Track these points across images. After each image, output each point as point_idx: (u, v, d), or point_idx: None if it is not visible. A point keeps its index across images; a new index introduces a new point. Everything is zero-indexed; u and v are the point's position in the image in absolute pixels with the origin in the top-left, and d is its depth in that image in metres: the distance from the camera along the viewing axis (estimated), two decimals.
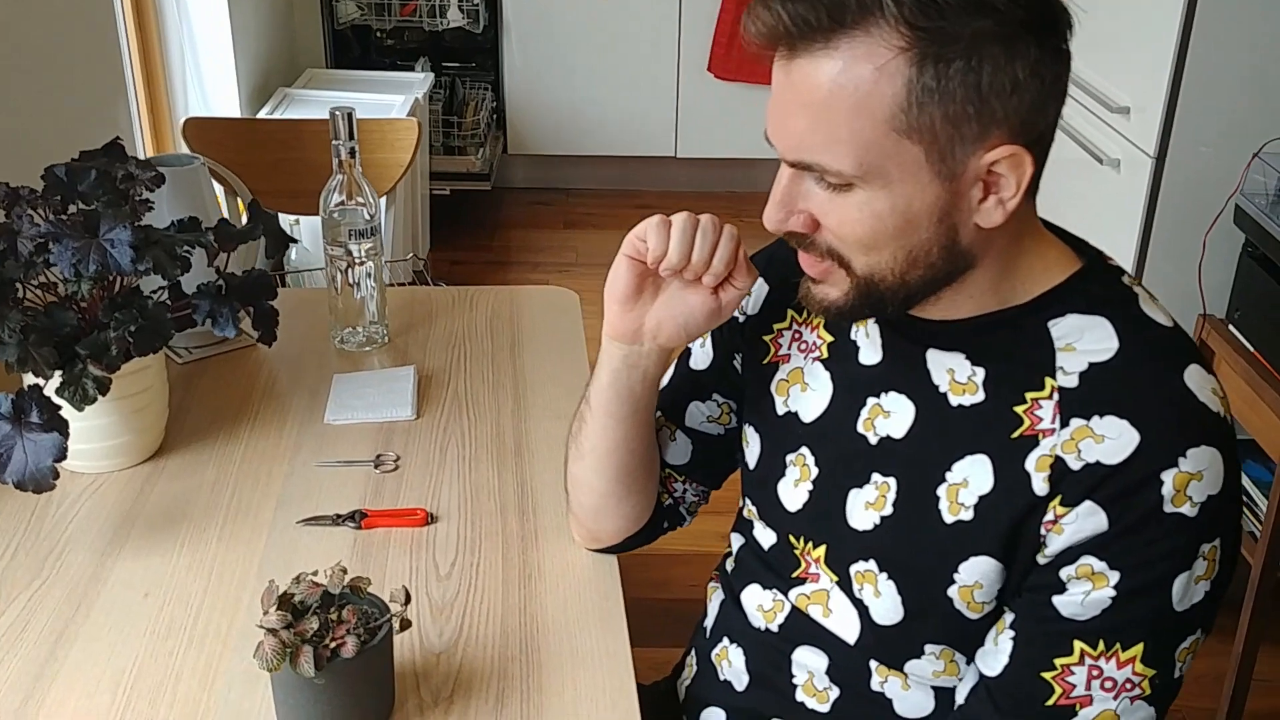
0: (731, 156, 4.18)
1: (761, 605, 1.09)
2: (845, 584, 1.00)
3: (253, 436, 1.42)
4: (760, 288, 1.09)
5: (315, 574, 1.02)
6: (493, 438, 1.44)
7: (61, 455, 1.17)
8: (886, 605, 0.97)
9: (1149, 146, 2.30)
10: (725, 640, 1.11)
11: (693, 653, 1.17)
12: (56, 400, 1.20)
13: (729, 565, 1.15)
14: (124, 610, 1.15)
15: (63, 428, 1.18)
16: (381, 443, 1.42)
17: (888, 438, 0.98)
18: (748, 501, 1.12)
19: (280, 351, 1.57)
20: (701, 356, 1.14)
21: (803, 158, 0.86)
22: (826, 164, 0.85)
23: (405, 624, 1.01)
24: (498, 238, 4.01)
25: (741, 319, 1.11)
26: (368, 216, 1.58)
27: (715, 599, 1.17)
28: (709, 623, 1.16)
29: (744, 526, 1.14)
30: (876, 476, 0.98)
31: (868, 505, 0.98)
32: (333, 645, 0.96)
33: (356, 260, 1.59)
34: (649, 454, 1.12)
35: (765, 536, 1.09)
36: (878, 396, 0.99)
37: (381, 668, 1.02)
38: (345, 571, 1.01)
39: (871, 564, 0.97)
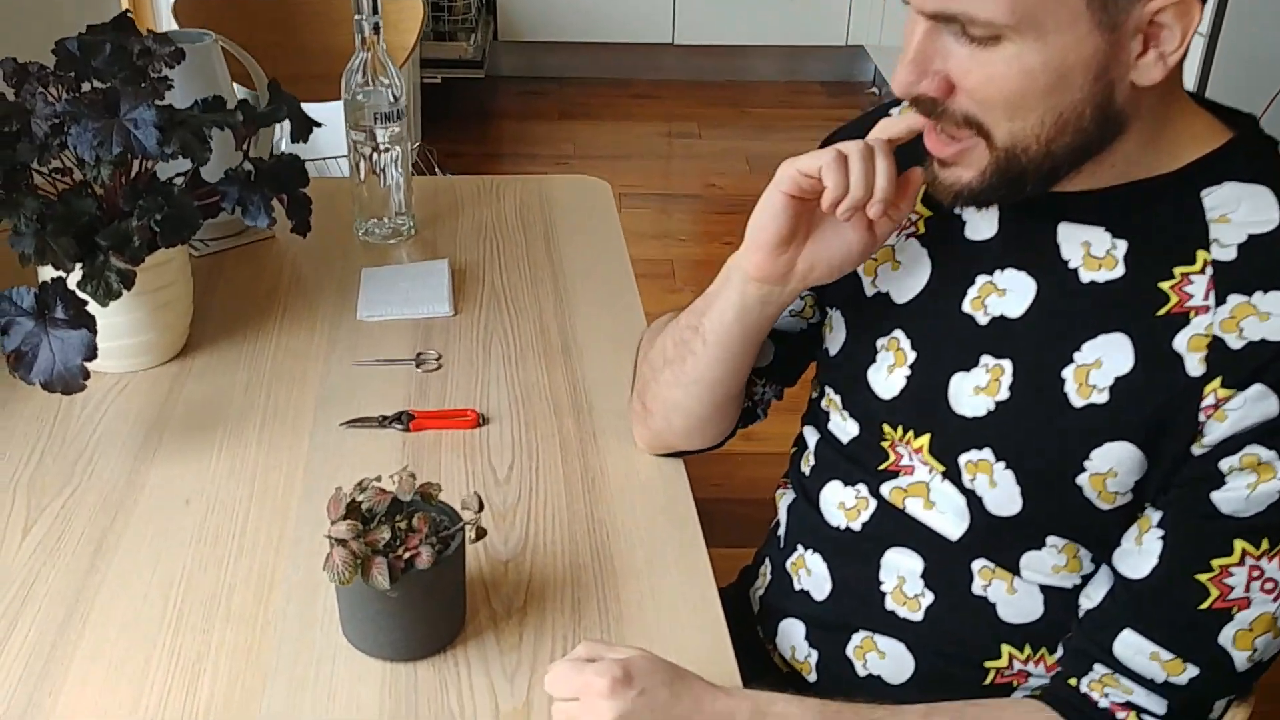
0: (731, 44, 4.05)
1: (843, 503, 1.02)
2: (953, 475, 0.94)
3: (282, 335, 1.34)
4: None
5: (379, 479, 0.95)
6: (537, 334, 1.36)
7: (91, 354, 1.09)
8: (1003, 496, 0.91)
9: (1202, 25, 2.21)
10: (800, 547, 1.05)
11: (765, 561, 1.12)
12: (81, 295, 1.11)
13: (802, 464, 1.09)
14: (165, 518, 1.08)
15: (90, 324, 1.09)
16: (420, 340, 1.34)
17: (1001, 318, 0.91)
18: (827, 391, 1.05)
19: (302, 244, 1.48)
20: None
21: (946, 7, 0.78)
22: (974, 12, 0.76)
23: (480, 533, 0.94)
24: (491, 129, 3.88)
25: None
26: (392, 99, 1.48)
27: (785, 502, 1.11)
28: (781, 530, 1.10)
29: (819, 419, 1.07)
30: (987, 359, 0.91)
31: (977, 390, 0.92)
32: (406, 556, 0.90)
33: (381, 146, 1.49)
34: (748, 374, 1.06)
35: (847, 428, 1.02)
36: (990, 274, 0.92)
37: (455, 579, 0.95)
38: (414, 477, 0.94)
39: (986, 453, 0.91)
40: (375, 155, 1.49)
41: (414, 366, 1.29)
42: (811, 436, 1.08)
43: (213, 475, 1.13)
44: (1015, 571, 0.93)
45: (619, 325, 1.37)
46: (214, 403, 1.23)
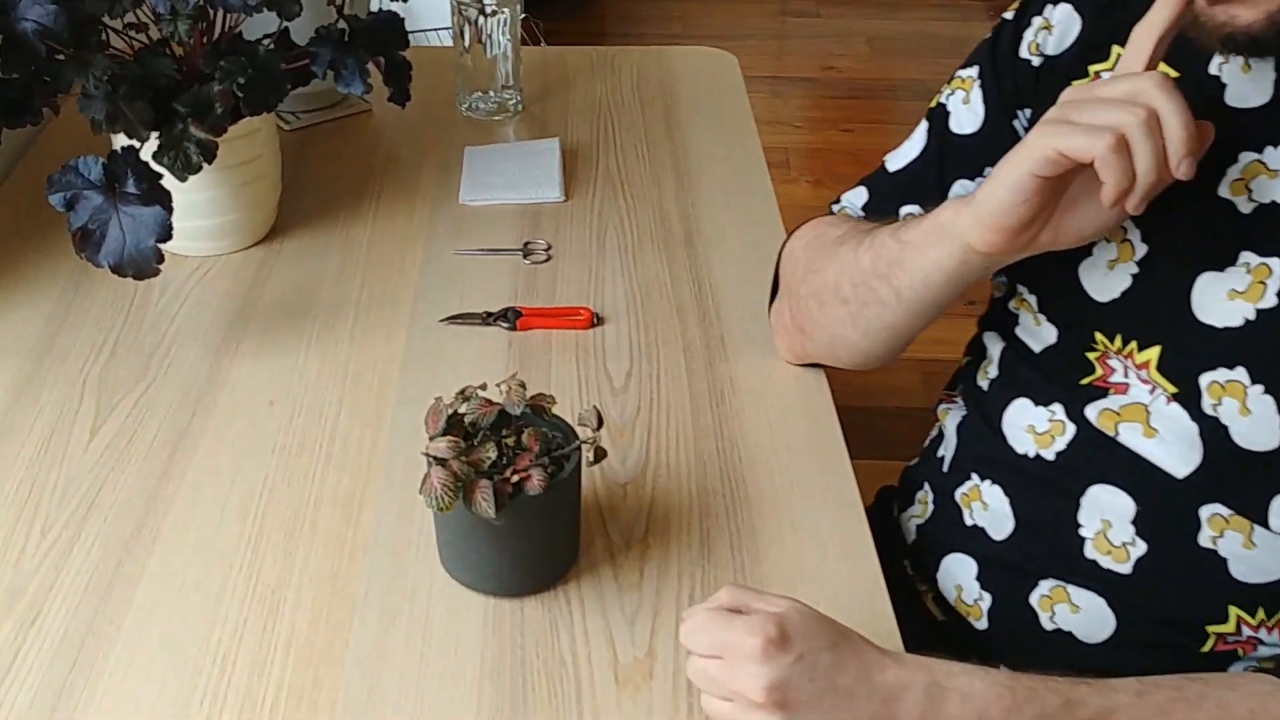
0: None
1: (1032, 426, 0.87)
2: (1188, 397, 0.78)
3: (379, 218, 1.21)
4: (1069, 20, 0.83)
5: (484, 388, 0.82)
6: (657, 225, 1.22)
7: (166, 234, 0.97)
8: (1258, 426, 0.75)
9: None
10: (975, 476, 0.90)
11: (924, 488, 0.97)
12: (156, 167, 0.99)
13: (979, 377, 0.93)
14: (247, 420, 0.97)
15: (165, 200, 0.97)
16: (528, 228, 1.20)
17: (1272, 205, 0.74)
18: (1020, 290, 0.89)
19: (400, 118, 1.35)
20: (968, 116, 0.89)
21: None
22: None
23: (600, 454, 0.81)
24: (594, 5, 3.68)
25: (1036, 61, 0.86)
26: None
27: (953, 421, 0.96)
28: (946, 452, 0.95)
29: (1005, 323, 0.91)
30: (1249, 257, 0.75)
31: (1233, 295, 0.75)
32: (515, 479, 0.77)
33: (488, 8, 1.34)
34: None
35: (1042, 334, 0.86)
36: (1259, 151, 0.75)
37: (569, 506, 0.83)
38: (524, 387, 0.81)
39: (1238, 373, 0.75)
40: (481, 19, 1.35)
41: (521, 257, 1.16)
42: (994, 344, 0.92)
43: (300, 374, 1.02)
44: (1260, 520, 0.77)
45: (750, 218, 1.22)
46: (304, 291, 1.11)
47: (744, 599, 0.69)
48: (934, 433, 1.00)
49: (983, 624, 0.89)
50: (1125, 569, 0.82)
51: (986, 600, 0.89)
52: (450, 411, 0.80)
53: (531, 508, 0.78)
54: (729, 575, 0.84)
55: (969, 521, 0.90)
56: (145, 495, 0.90)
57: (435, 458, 0.76)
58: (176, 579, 0.84)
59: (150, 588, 0.83)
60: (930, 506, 0.95)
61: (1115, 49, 0.80)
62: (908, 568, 0.98)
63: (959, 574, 0.91)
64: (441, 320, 1.08)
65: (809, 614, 0.68)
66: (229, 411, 0.98)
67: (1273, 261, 0.73)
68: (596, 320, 1.08)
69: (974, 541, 0.90)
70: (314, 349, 1.05)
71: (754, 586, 0.70)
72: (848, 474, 0.93)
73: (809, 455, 0.94)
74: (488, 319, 1.08)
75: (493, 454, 0.77)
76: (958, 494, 0.91)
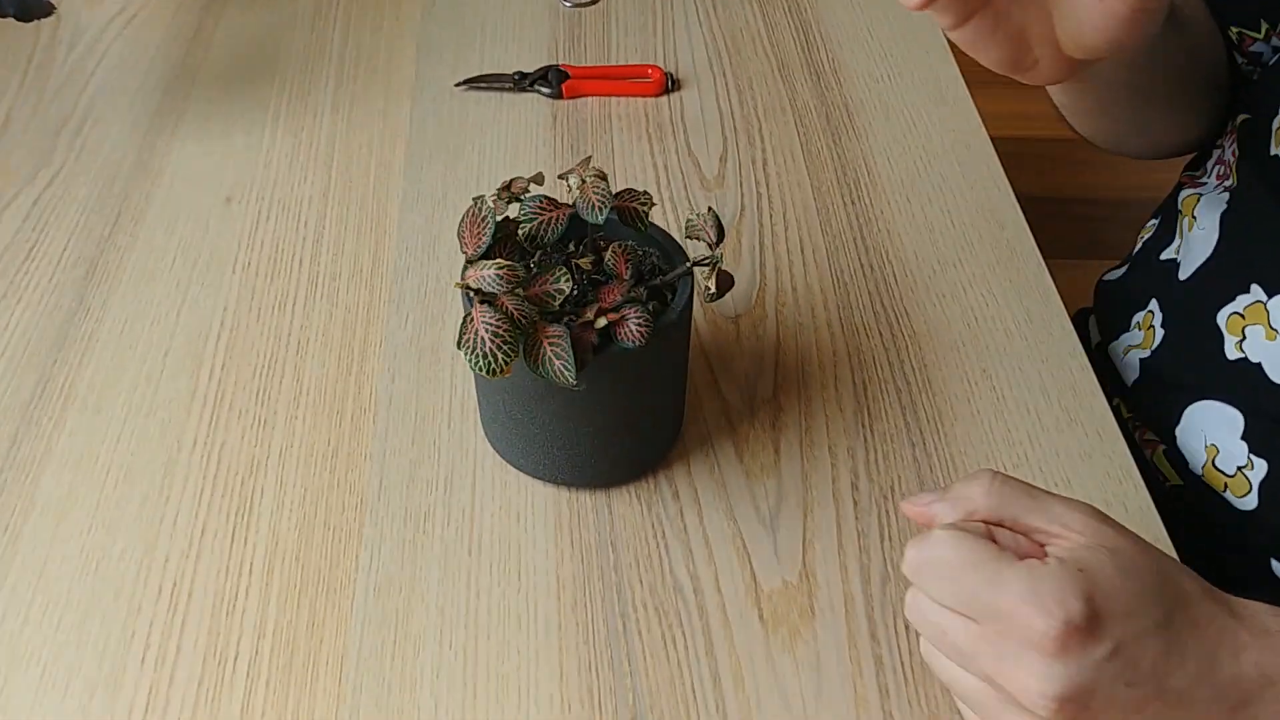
0: None
1: None
2: None
3: None
4: None
5: (540, 181, 0.54)
6: None
7: None
8: None
9: None
10: (1254, 288, 0.63)
11: (1151, 307, 0.70)
12: None
13: (1275, 142, 0.65)
14: (193, 226, 0.69)
15: None
16: None
17: None
18: None
19: None
20: None
21: None
22: None
23: (725, 281, 0.54)
24: None
25: None
26: None
27: (1209, 210, 0.67)
28: (1187, 254, 0.67)
29: None
30: None
31: None
32: (600, 323, 0.50)
33: None
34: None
35: None
36: None
37: (677, 359, 0.56)
38: (604, 179, 0.53)
39: None
40: None
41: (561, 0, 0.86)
42: None
43: (266, 160, 0.73)
44: None
45: None
46: (264, 46, 0.81)
47: (1015, 507, 0.43)
48: (1151, 230, 0.73)
49: (1249, 501, 0.63)
50: None
51: (1259, 469, 0.63)
52: (499, 218, 0.52)
53: (627, 365, 0.52)
54: (904, 451, 0.58)
55: (1233, 355, 0.63)
56: (49, 339, 0.63)
57: (479, 292, 0.49)
58: (97, 465, 0.57)
59: (58, 479, 0.57)
60: (1159, 332, 0.68)
61: None
62: (1120, 409, 0.71)
63: (1213, 429, 0.64)
64: (458, 85, 0.78)
65: (1129, 561, 0.41)
66: (167, 214, 0.70)
67: None
68: (670, 84, 0.79)
69: (1241, 386, 0.63)
70: (283, 125, 0.75)
71: (1021, 480, 0.43)
72: (1049, 294, 0.66)
73: (993, 268, 0.67)
74: (521, 82, 0.78)
75: (566, 284, 0.50)
76: (1222, 317, 0.64)
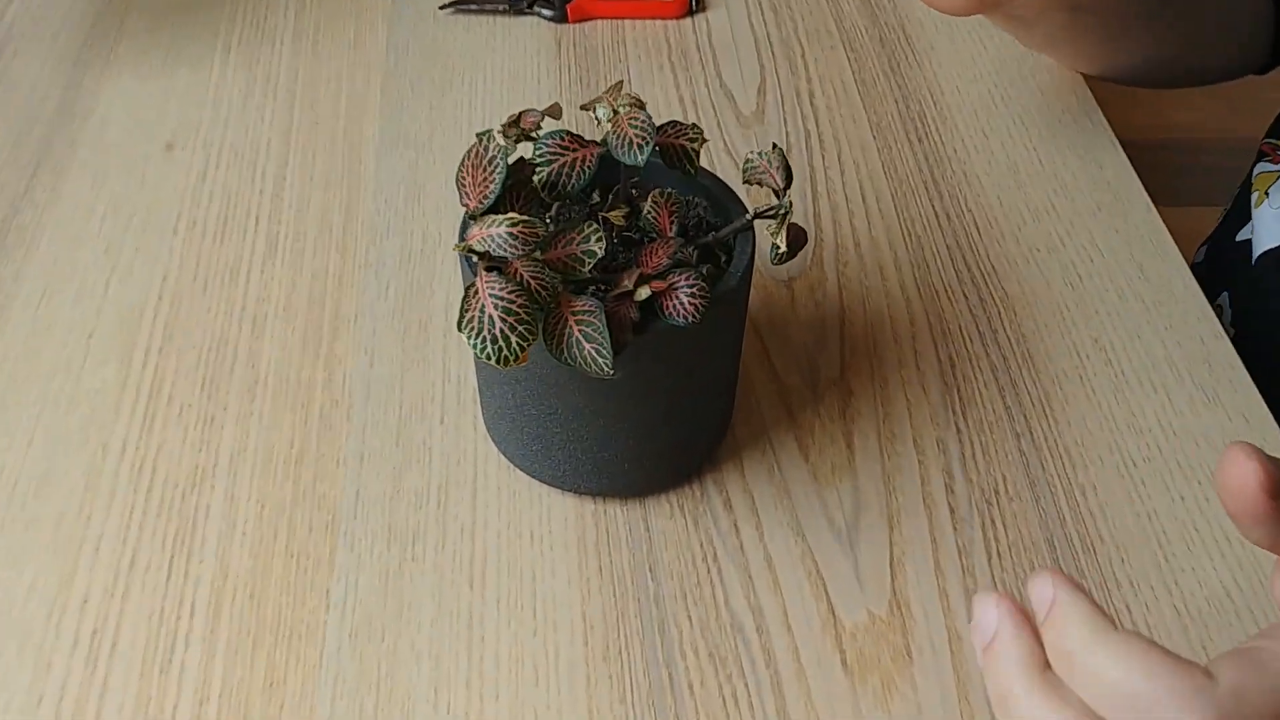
0: None
1: None
2: None
3: None
4: None
5: (557, 113, 0.42)
6: None
7: None
8: None
9: None
10: None
11: (1223, 298, 0.59)
12: None
13: None
14: (128, 176, 0.57)
15: None
16: None
17: None
18: None
19: None
20: None
21: None
22: None
23: (798, 236, 0.42)
24: None
25: None
26: None
27: None
28: (1263, 234, 0.57)
29: None
30: None
31: None
32: (640, 295, 0.39)
33: None
34: None
35: None
36: None
37: (731, 338, 0.45)
38: (643, 107, 0.41)
39: None
40: None
41: None
42: None
43: (215, 98, 0.61)
44: None
45: None
46: None
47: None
48: (1232, 202, 0.62)
49: None
50: None
51: None
52: (510, 159, 0.40)
53: (675, 346, 0.40)
54: (1007, 443, 0.47)
55: None
56: None
57: (486, 256, 0.37)
58: (11, 459, 0.46)
59: None
60: (1229, 331, 0.57)
61: None
62: None
63: None
64: (443, 7, 0.66)
65: None
66: (96, 164, 0.58)
67: None
68: (695, 2, 0.67)
69: None
70: (237, 56, 0.63)
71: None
72: (1164, 244, 0.54)
73: (1094, 214, 0.56)
74: (518, 3, 0.66)
75: (599, 245, 0.38)
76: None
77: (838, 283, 0.53)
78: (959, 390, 0.49)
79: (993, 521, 0.45)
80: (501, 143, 0.39)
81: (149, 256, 0.53)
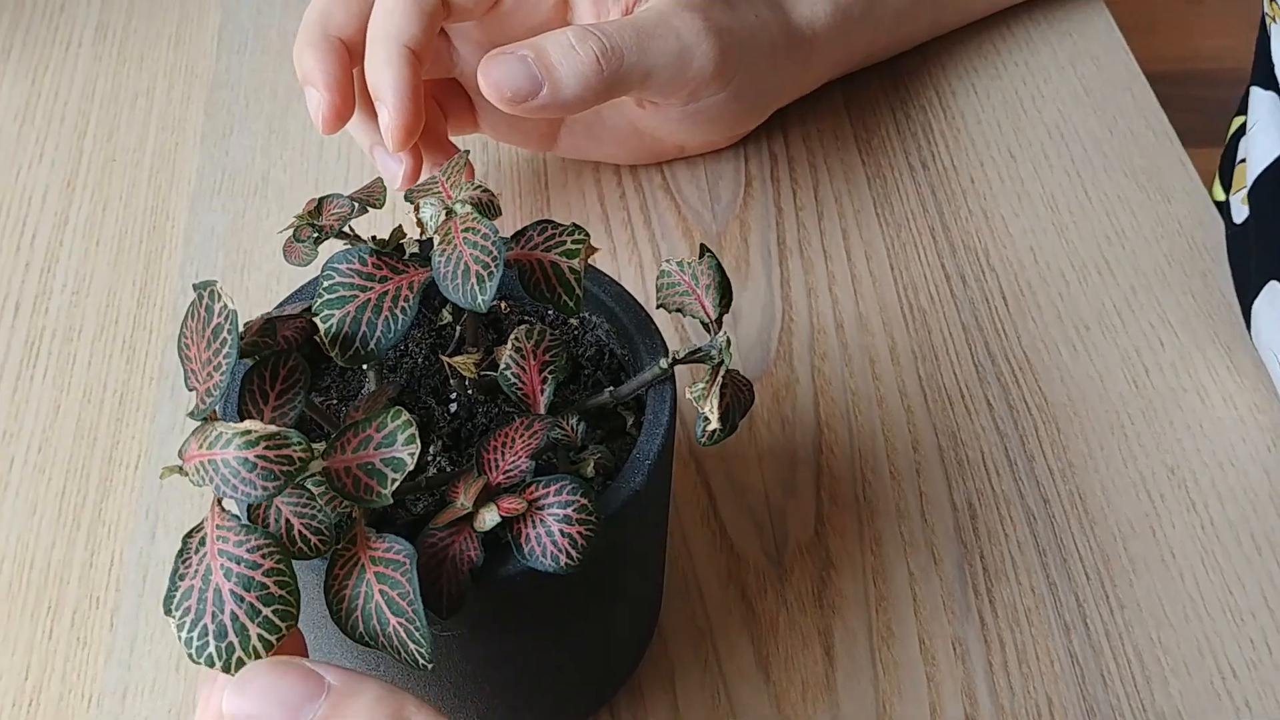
0: None
1: None
2: None
3: None
4: None
5: (369, 193, 0.28)
6: None
7: None
8: None
9: None
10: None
11: None
12: None
13: None
14: None
15: None
16: None
17: None
18: None
19: None
20: None
21: None
22: None
23: (740, 399, 0.28)
24: None
25: None
26: None
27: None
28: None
29: None
30: None
31: None
32: (482, 523, 0.24)
33: None
34: None
35: None
36: None
37: (645, 547, 0.30)
38: (492, 205, 0.26)
39: None
40: None
41: None
42: None
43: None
44: None
45: None
46: None
47: None
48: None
49: None
50: None
51: None
52: (252, 318, 0.25)
53: (549, 594, 0.26)
54: (1054, 643, 0.33)
55: None
56: None
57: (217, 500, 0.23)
58: None
59: None
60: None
61: None
62: None
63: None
64: None
65: None
66: None
67: None
68: None
69: None
70: (15, 64, 0.48)
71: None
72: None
73: (1161, 271, 0.41)
74: None
75: (407, 451, 0.24)
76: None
77: (812, 387, 0.38)
78: (983, 556, 0.35)
79: None
80: (229, 303, 0.23)
81: None
